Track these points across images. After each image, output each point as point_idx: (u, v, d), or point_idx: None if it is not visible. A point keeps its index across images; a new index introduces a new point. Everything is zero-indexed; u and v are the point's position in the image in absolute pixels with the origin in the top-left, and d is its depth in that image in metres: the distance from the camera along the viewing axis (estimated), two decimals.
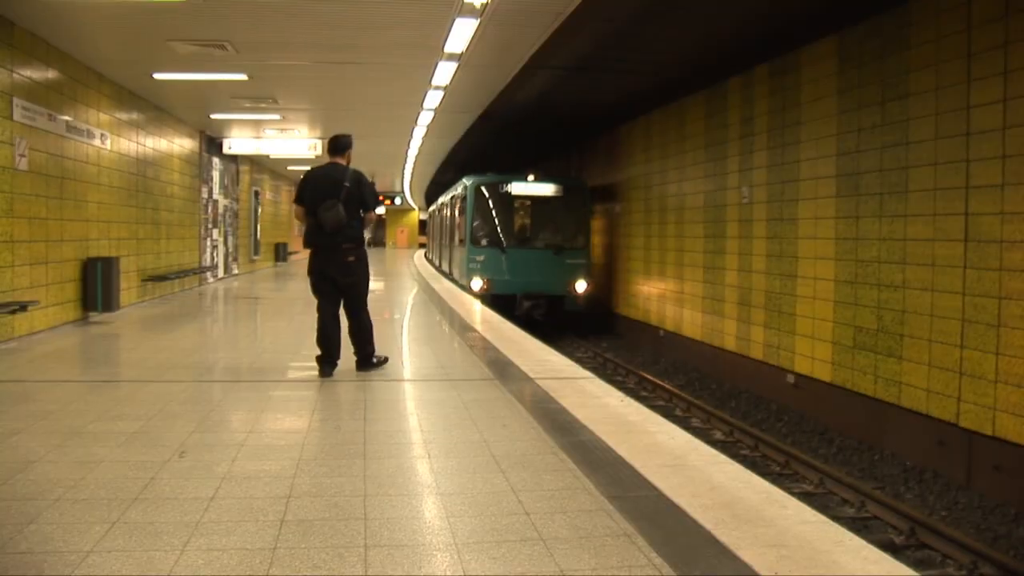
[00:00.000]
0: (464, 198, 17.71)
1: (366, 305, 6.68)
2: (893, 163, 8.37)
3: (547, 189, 17.10)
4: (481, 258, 16.67)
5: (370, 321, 6.69)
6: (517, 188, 17.02)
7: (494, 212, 17.00)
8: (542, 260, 16.51)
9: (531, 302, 16.32)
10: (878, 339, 8.60)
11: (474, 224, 17.05)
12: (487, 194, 17.01)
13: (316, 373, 6.47)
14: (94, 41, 9.22)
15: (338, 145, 6.63)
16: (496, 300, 15.51)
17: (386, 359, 6.86)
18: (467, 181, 17.56)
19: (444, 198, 24.07)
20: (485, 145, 19.87)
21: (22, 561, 2.88)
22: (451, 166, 24.85)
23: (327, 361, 6.50)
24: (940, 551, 6.18)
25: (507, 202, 17.18)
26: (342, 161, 6.59)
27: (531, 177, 17.19)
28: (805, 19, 9.37)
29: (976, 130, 7.28)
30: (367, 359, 6.68)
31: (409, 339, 9.33)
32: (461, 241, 17.95)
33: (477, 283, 16.45)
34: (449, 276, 20.29)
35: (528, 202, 17.37)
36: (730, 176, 12.14)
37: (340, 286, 6.53)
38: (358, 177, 6.48)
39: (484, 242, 16.79)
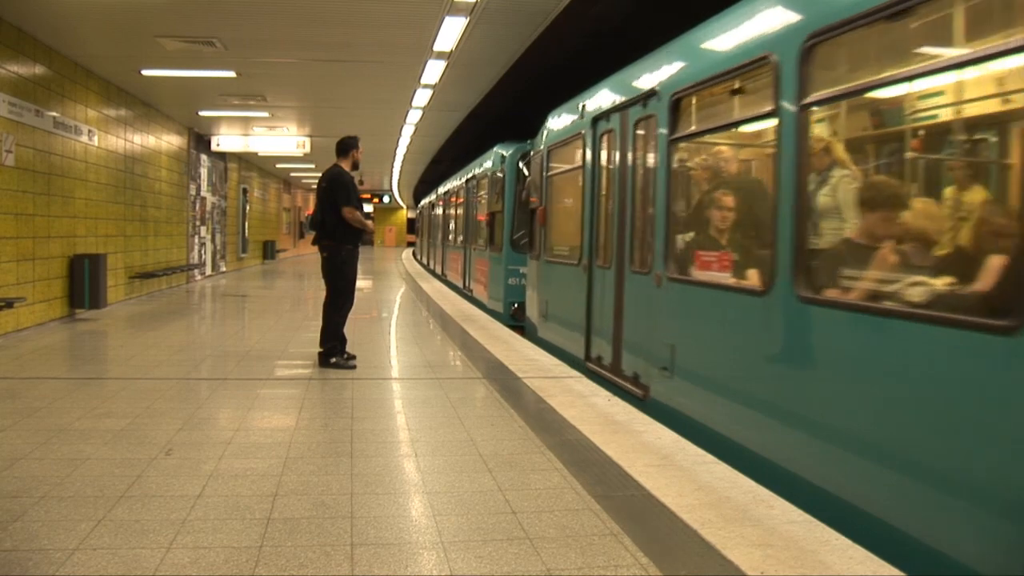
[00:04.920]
0: None
1: (338, 302, 6.82)
2: None
3: None
4: None
5: (335, 321, 6.82)
6: None
7: None
8: None
9: None
10: None
11: None
12: None
13: (303, 371, 6.72)
14: (82, 37, 9.17)
15: (337, 148, 6.91)
16: None
17: (352, 366, 6.77)
18: None
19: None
20: (475, 143, 19.85)
21: (7, 559, 2.87)
22: (439, 165, 24.80)
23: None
24: None
25: None
26: (343, 163, 6.82)
27: None
28: None
29: None
30: (322, 355, 6.83)
31: (397, 337, 9.32)
32: None
33: None
34: None
35: None
36: None
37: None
38: (331, 175, 6.75)
39: None
